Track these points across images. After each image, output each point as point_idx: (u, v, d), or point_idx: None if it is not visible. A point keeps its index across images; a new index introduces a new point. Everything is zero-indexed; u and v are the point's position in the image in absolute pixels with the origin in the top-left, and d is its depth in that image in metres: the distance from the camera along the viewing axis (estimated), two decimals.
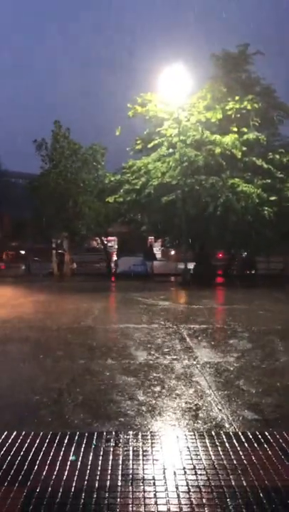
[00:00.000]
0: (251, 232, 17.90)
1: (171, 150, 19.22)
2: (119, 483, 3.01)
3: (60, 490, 2.94)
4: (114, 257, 26.09)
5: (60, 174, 22.97)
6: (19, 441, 3.71)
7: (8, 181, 51.81)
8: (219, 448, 3.57)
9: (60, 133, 23.58)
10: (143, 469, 3.23)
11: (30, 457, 3.42)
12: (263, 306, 11.98)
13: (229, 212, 17.13)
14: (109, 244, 28.62)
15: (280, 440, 3.69)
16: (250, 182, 18.13)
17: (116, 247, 30.59)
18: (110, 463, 3.32)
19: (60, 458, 3.40)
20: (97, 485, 2.99)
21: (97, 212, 22.67)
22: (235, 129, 18.72)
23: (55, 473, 3.18)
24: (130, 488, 2.96)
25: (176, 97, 18.18)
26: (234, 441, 3.69)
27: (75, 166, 23.63)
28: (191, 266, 20.75)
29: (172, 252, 30.06)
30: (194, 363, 6.18)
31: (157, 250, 35.82)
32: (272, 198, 17.82)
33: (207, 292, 14.76)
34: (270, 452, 3.48)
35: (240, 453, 3.47)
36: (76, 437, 3.76)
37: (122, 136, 20.80)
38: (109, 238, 27.84)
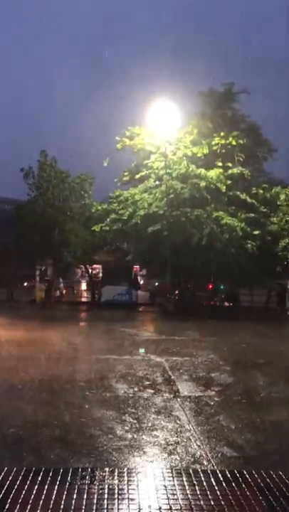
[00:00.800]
0: (234, 265, 18.08)
1: (158, 182, 19.54)
2: None
3: None
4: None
5: (47, 202, 23.08)
6: None
7: None
8: (197, 487, 3.51)
9: (46, 162, 23.85)
10: (118, 509, 3.15)
11: (1, 494, 3.32)
12: (246, 339, 11.98)
13: (214, 244, 17.36)
14: (94, 272, 28.51)
15: (258, 480, 3.65)
16: (234, 215, 18.46)
17: (101, 275, 30.48)
18: (84, 501, 3.23)
19: (33, 495, 3.30)
20: None
21: (84, 240, 22.72)
22: (220, 164, 19.20)
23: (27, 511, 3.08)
24: None
25: (163, 131, 18.65)
26: (212, 479, 3.64)
27: (62, 194, 23.80)
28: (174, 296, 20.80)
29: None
30: (175, 396, 6.13)
31: (142, 280, 35.78)
32: (256, 232, 18.14)
33: (190, 324, 14.72)
34: (247, 492, 3.44)
35: (218, 492, 3.42)
36: (50, 473, 3.66)
37: (111, 166, 21.15)
38: (94, 266, 27.74)
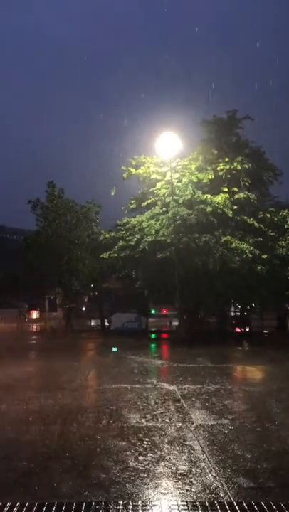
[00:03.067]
0: (245, 289, 17.99)
1: (164, 209, 19.70)
2: None
3: None
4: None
5: (54, 231, 23.36)
6: None
7: (4, 237, 52.43)
8: None
9: (53, 193, 24.30)
10: None
11: None
12: (259, 365, 11.81)
13: (227, 265, 17.28)
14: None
15: (277, 511, 3.54)
16: (242, 240, 18.48)
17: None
18: None
19: None
20: None
21: (92, 268, 22.82)
22: (226, 189, 19.36)
23: None
24: None
25: (168, 159, 18.95)
26: None
27: (69, 223, 24.10)
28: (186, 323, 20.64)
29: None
30: (188, 425, 6.01)
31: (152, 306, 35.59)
32: (264, 256, 18.10)
33: (201, 350, 14.55)
34: None
35: None
36: (64, 507, 3.58)
37: (118, 195, 21.41)
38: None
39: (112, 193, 20.81)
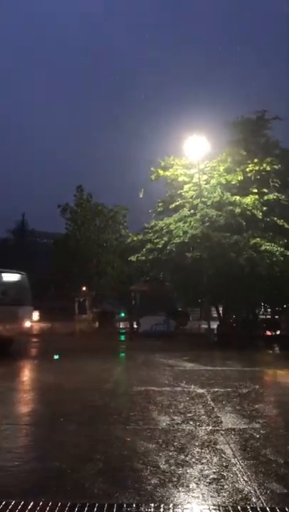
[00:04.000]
0: (275, 292, 17.71)
1: (192, 211, 19.60)
2: None
3: None
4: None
5: (83, 235, 23.63)
6: (36, 511, 3.58)
7: (34, 240, 53.35)
8: None
9: (82, 197, 24.61)
10: None
11: None
12: (277, 370, 11.60)
13: (255, 269, 17.04)
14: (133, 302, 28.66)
15: None
16: (272, 242, 18.18)
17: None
18: None
19: None
20: None
21: (120, 271, 22.96)
22: (255, 190, 19.10)
23: None
24: None
25: (196, 161, 18.87)
26: None
27: (98, 227, 24.35)
28: (214, 326, 20.48)
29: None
30: (219, 429, 5.95)
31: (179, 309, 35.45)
32: None
33: (231, 353, 14.39)
34: None
35: None
36: (95, 509, 3.61)
37: (145, 198, 21.47)
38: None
39: (140, 195, 20.85)
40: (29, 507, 3.64)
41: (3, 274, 15.14)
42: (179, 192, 20.62)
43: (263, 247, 17.56)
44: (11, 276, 15.42)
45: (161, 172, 20.47)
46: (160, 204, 21.93)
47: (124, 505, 3.67)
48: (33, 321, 15.33)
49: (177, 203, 20.38)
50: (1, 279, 14.94)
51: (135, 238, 21.69)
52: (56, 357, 13.13)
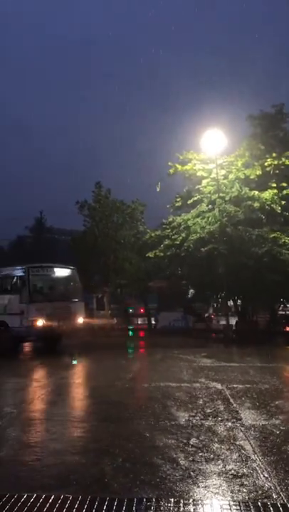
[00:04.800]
0: None
1: (210, 206, 19.45)
2: None
3: None
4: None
5: (101, 231, 23.69)
6: (57, 505, 3.62)
7: (52, 237, 53.76)
8: None
9: (101, 193, 24.65)
10: None
11: None
12: None
13: (274, 264, 16.84)
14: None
15: None
16: None
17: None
18: None
19: None
20: None
21: (137, 267, 22.95)
22: (274, 185, 18.85)
23: None
24: None
25: (214, 156, 18.71)
26: None
27: (116, 223, 24.37)
28: (233, 322, 20.32)
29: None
30: (238, 425, 5.92)
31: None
32: None
33: (250, 350, 14.28)
34: None
35: None
36: (116, 503, 3.63)
37: (163, 193, 21.33)
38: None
39: (158, 189, 20.60)
40: (50, 501, 3.68)
41: (56, 269, 15.03)
42: (196, 187, 20.48)
43: (282, 240, 17.35)
44: (62, 271, 15.23)
45: (179, 167, 20.34)
46: (178, 199, 21.81)
47: (144, 500, 3.68)
48: (85, 317, 15.21)
49: (195, 198, 20.24)
50: (54, 274, 14.86)
51: (153, 234, 21.64)
52: (73, 361, 12.82)
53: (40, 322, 13.12)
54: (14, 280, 14.40)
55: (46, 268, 14.94)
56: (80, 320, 14.52)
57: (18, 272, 14.27)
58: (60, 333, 14.18)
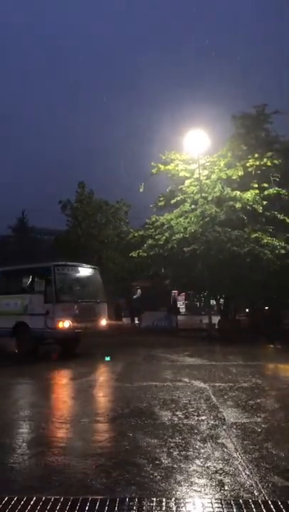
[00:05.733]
0: (277, 286, 17.70)
1: (193, 206, 19.58)
2: None
3: None
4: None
5: (84, 231, 23.62)
6: (38, 507, 3.59)
7: (34, 237, 53.27)
8: None
9: (84, 193, 24.59)
10: None
11: None
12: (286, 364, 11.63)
13: (255, 263, 17.05)
14: (134, 296, 28.80)
15: None
16: (273, 236, 18.19)
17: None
18: None
19: None
20: None
21: (121, 267, 22.94)
22: (256, 185, 19.06)
23: None
24: None
25: (197, 156, 18.83)
26: (264, 511, 3.48)
27: (99, 223, 24.33)
28: (215, 320, 20.49)
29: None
30: (220, 423, 5.96)
31: (181, 304, 35.50)
32: None
33: (233, 348, 14.41)
34: None
35: None
36: (98, 503, 3.62)
37: (146, 193, 21.36)
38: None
39: (141, 190, 20.65)
40: (31, 503, 3.65)
41: (80, 268, 14.31)
42: (180, 187, 20.58)
43: (264, 241, 17.57)
44: (86, 271, 14.55)
45: (162, 167, 20.41)
46: (161, 198, 21.90)
47: (127, 500, 3.68)
48: (107, 318, 14.61)
49: (178, 198, 20.35)
50: (78, 272, 14.10)
51: (136, 234, 21.68)
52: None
53: (66, 323, 12.45)
54: (36, 278, 13.58)
55: (71, 267, 14.16)
56: (104, 321, 13.95)
57: (42, 269, 13.52)
58: (84, 335, 13.53)
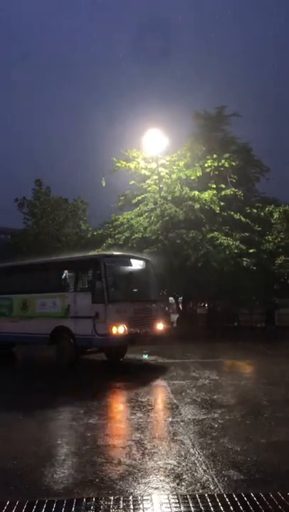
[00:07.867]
0: (231, 283, 18.12)
1: (153, 206, 19.68)
2: None
3: None
4: None
5: (41, 229, 23.23)
6: None
7: None
8: None
9: (40, 191, 24.19)
10: None
11: None
12: (247, 360, 11.91)
13: (210, 263, 17.43)
14: None
15: (267, 503, 3.57)
16: (229, 235, 18.62)
17: None
18: None
19: None
20: None
21: None
22: (213, 186, 19.44)
23: None
24: None
25: (157, 154, 18.94)
26: (219, 504, 3.56)
27: (57, 221, 23.99)
28: (174, 318, 20.71)
29: None
30: (178, 420, 6.03)
31: None
32: (251, 251, 18.27)
33: (190, 345, 14.62)
34: None
35: None
36: (54, 505, 3.58)
37: (107, 192, 21.24)
38: None
39: (103, 184, 20.26)
40: None
41: (132, 260, 11.62)
42: (140, 185, 20.62)
43: (219, 241, 17.96)
44: (139, 263, 11.82)
45: (123, 163, 20.27)
46: (122, 198, 21.84)
47: (84, 500, 3.66)
48: (166, 322, 11.97)
49: (139, 198, 20.39)
50: (130, 266, 11.41)
51: (95, 233, 21.53)
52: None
53: (121, 329, 9.91)
54: (80, 273, 11.10)
55: (123, 258, 11.72)
56: (161, 326, 11.46)
57: (88, 262, 11.05)
58: (140, 342, 11.11)
